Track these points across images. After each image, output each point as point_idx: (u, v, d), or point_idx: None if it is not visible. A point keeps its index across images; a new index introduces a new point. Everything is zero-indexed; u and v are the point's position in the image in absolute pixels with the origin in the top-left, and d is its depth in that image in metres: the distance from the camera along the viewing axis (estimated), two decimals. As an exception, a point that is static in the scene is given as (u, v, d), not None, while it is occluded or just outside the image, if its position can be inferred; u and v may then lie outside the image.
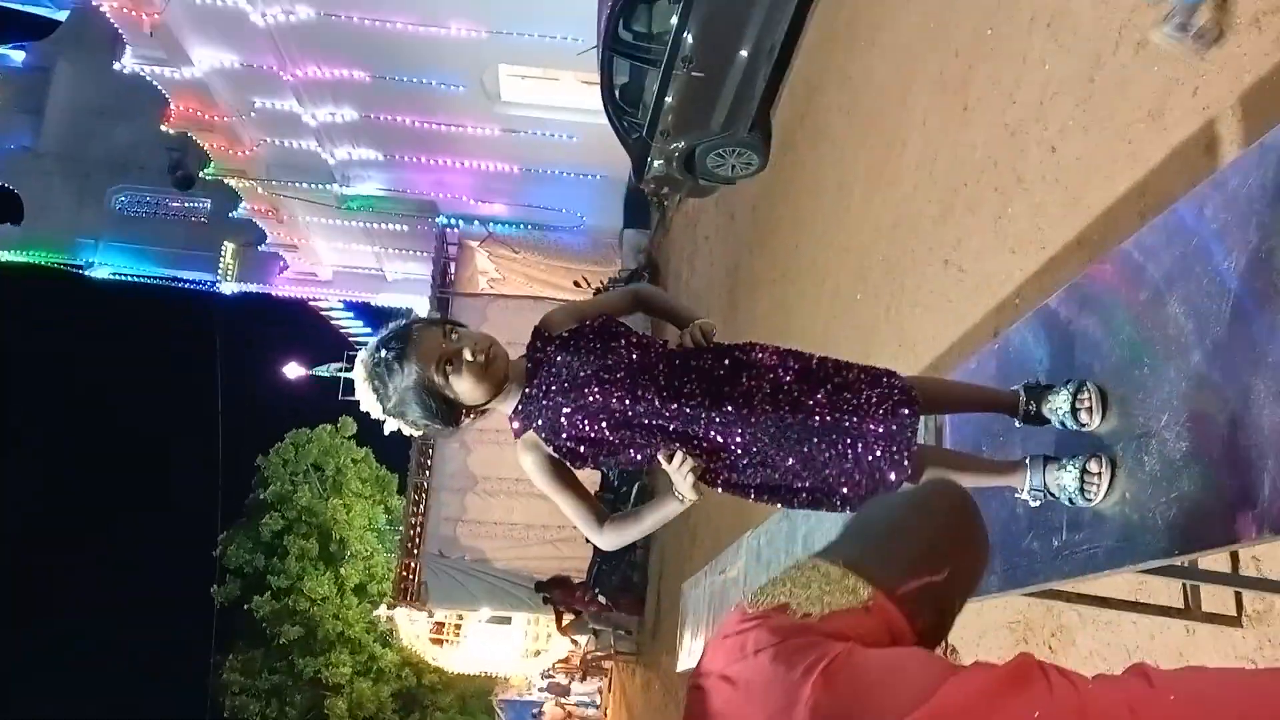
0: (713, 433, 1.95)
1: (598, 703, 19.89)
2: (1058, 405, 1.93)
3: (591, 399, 1.96)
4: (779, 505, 2.07)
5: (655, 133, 8.57)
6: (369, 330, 24.82)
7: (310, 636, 25.23)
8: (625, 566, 14.20)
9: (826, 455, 1.93)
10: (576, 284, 15.39)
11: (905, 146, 5.17)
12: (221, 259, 20.94)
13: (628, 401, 1.95)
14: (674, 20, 7.65)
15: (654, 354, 2.03)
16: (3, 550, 40.50)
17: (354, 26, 13.09)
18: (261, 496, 26.65)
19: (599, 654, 16.79)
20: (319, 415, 28.10)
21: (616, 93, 8.96)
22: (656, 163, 9.02)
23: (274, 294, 21.82)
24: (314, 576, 25.39)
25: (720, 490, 2.03)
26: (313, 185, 16.85)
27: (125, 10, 14.14)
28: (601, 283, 15.06)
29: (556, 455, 2.01)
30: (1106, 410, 1.89)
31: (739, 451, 1.96)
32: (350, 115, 14.99)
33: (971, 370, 2.29)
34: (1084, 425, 1.94)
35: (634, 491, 13.04)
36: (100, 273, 22.30)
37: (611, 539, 2.06)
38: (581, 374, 1.98)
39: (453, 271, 17.36)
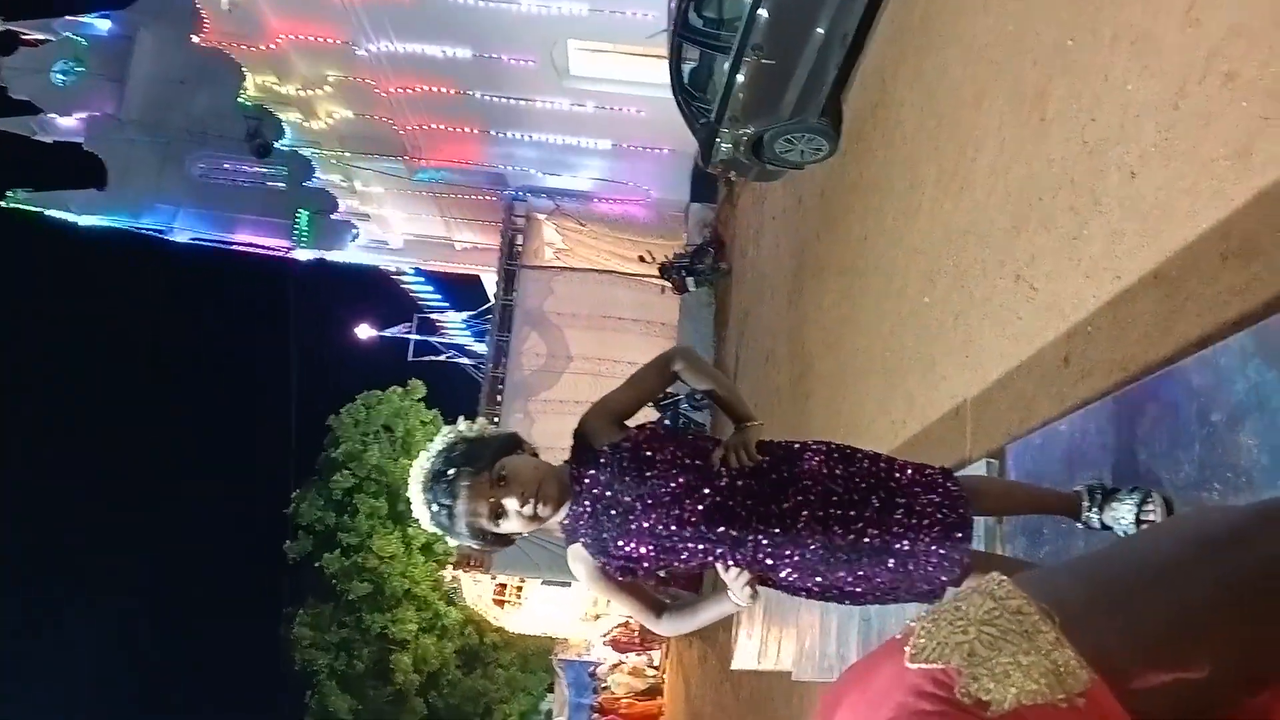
0: (761, 554, 1.95)
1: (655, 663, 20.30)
2: (1121, 515, 1.87)
3: (636, 525, 1.97)
4: (832, 603, 2.07)
5: (723, 118, 8.45)
6: (438, 296, 25.09)
7: (378, 593, 25.96)
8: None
9: (877, 570, 1.92)
10: (642, 258, 15.32)
11: (979, 151, 5.02)
12: (296, 226, 21.31)
13: (674, 527, 1.96)
14: (745, 7, 7.50)
15: (697, 476, 2.02)
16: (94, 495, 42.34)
17: (427, 2, 13.13)
18: (333, 455, 27.33)
19: (658, 625, 16.95)
20: (389, 377, 28.68)
21: (685, 77, 8.84)
22: (724, 146, 8.90)
23: (346, 261, 22.18)
24: (383, 535, 26.06)
25: (774, 589, 2.03)
26: (384, 157, 17.04)
27: (204, -16, 14.39)
28: (667, 257, 14.97)
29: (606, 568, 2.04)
30: (1172, 523, 1.82)
31: (789, 570, 1.95)
32: (422, 89, 15.09)
33: (1037, 447, 2.23)
34: None
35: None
36: (180, 237, 22.90)
37: (669, 628, 2.12)
38: (625, 498, 1.99)
39: (520, 243, 17.46)
